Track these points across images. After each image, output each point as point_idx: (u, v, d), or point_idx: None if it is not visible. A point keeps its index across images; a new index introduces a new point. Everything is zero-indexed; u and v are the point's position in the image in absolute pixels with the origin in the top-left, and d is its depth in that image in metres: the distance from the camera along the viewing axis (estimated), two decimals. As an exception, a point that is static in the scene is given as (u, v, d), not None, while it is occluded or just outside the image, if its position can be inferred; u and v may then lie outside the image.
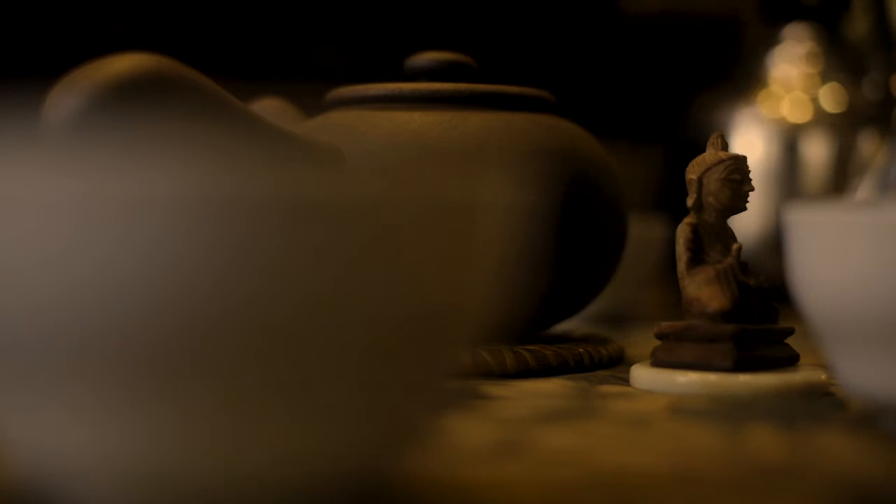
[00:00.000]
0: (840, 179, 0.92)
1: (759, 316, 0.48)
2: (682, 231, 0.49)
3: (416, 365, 0.27)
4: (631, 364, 0.51)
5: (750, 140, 0.94)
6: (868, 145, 0.93)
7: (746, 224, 0.87)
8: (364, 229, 0.25)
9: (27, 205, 0.24)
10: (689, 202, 0.50)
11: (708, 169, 0.49)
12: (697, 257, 0.49)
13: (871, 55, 0.96)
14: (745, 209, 0.50)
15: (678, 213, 0.51)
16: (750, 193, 0.50)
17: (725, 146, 0.50)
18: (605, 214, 0.54)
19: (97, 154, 0.24)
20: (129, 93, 0.40)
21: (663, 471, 0.33)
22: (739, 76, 1.00)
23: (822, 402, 0.45)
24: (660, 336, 0.49)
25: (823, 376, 0.47)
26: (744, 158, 0.50)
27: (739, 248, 0.48)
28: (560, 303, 0.54)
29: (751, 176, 0.50)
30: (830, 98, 0.95)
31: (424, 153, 0.51)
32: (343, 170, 0.49)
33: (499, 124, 0.53)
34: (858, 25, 0.98)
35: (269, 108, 0.56)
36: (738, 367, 0.46)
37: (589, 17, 1.20)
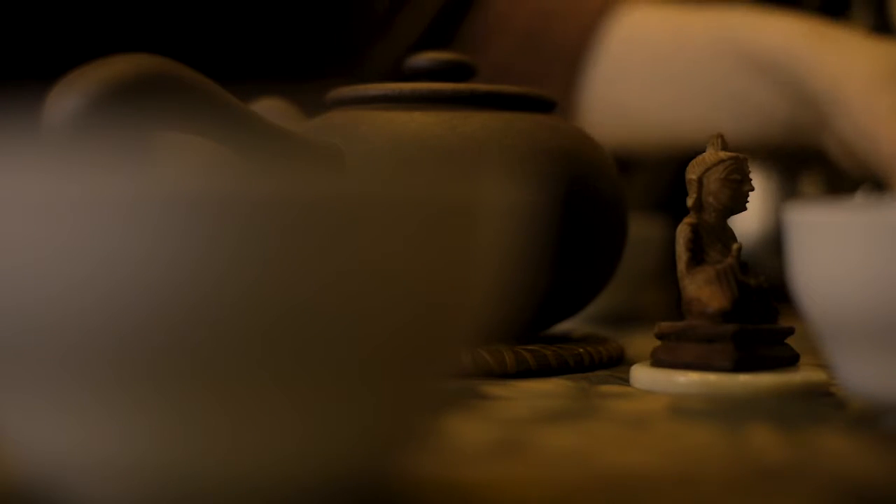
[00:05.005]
0: (840, 179, 0.92)
1: (759, 316, 0.48)
2: (682, 231, 0.49)
3: (416, 365, 0.27)
4: (631, 364, 0.50)
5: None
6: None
7: (746, 224, 0.87)
8: (364, 229, 0.25)
9: (26, 205, 0.24)
10: (689, 202, 0.50)
11: (708, 169, 0.49)
12: (697, 257, 0.49)
13: (871, 55, 0.96)
14: (745, 209, 0.50)
15: (678, 212, 0.51)
16: (750, 193, 0.50)
17: (725, 146, 0.50)
18: (604, 214, 0.54)
19: (97, 154, 0.24)
20: (129, 93, 0.40)
21: (663, 471, 0.33)
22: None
23: (822, 402, 0.45)
24: (660, 336, 0.49)
25: (823, 376, 0.47)
26: (744, 158, 0.50)
27: (739, 248, 0.48)
28: (560, 303, 0.54)
29: (751, 176, 0.50)
30: (830, 98, 0.95)
31: (424, 153, 0.51)
32: (343, 170, 0.49)
33: (499, 124, 0.53)
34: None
35: (269, 108, 0.56)
36: (738, 367, 0.46)
37: None
